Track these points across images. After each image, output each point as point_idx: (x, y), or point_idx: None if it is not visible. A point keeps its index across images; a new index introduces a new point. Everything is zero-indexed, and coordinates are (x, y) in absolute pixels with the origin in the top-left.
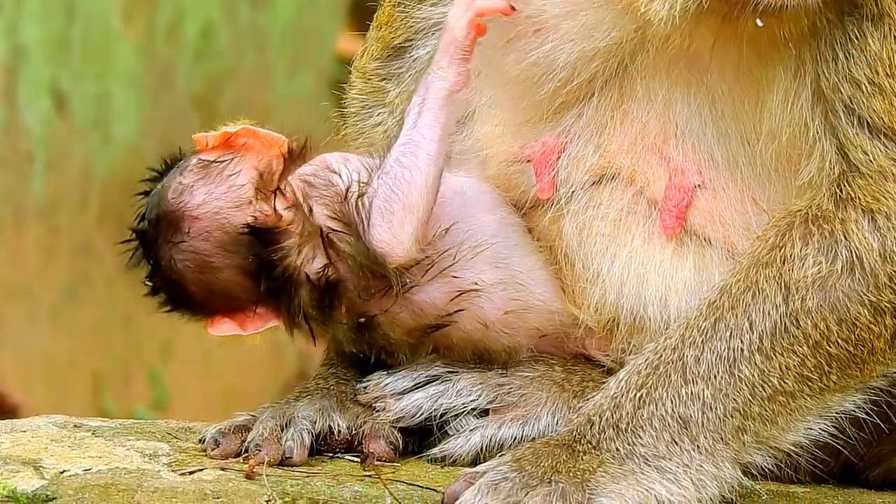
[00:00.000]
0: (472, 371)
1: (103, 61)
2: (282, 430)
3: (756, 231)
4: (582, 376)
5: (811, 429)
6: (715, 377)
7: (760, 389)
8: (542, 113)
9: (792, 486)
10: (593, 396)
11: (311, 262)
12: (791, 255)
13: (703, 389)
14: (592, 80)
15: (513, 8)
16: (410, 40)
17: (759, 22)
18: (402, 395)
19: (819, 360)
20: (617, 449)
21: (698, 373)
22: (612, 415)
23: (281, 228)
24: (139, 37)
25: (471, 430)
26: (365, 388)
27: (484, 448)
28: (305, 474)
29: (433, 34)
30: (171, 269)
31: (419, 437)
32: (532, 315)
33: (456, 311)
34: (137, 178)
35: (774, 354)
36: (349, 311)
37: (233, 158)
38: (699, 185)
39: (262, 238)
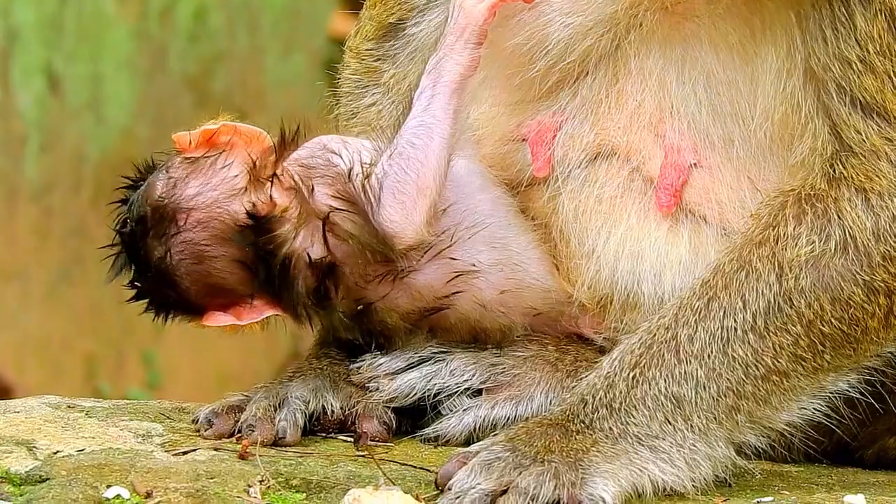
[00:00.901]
0: (465, 351)
1: (97, 43)
2: (275, 411)
3: (752, 210)
4: (575, 356)
5: (805, 408)
6: (708, 356)
7: (754, 369)
8: (537, 91)
9: (786, 465)
10: (587, 376)
11: (310, 248)
12: (784, 234)
13: (697, 369)
14: (587, 57)
15: None
16: (404, 19)
17: None
18: (395, 376)
19: (812, 339)
20: (610, 428)
21: (692, 352)
22: (606, 394)
23: (277, 216)
24: (133, 18)
25: (464, 410)
26: (358, 368)
27: (477, 428)
28: (299, 454)
29: (428, 11)
30: (164, 264)
31: (412, 417)
32: (527, 294)
33: (454, 294)
34: (131, 160)
35: (768, 334)
36: (347, 298)
37: (221, 153)
38: (695, 164)
39: (259, 226)
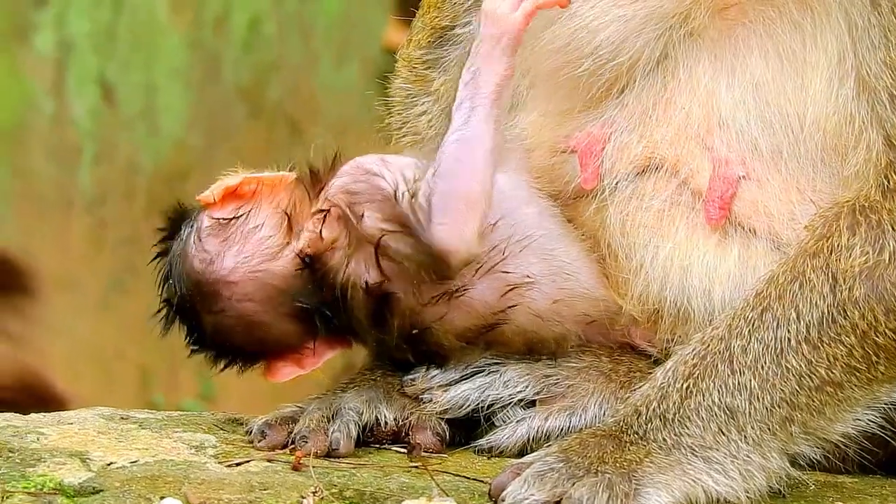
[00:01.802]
0: (519, 362)
1: (150, 53)
2: (328, 422)
3: (802, 221)
4: (629, 367)
5: (859, 419)
6: (762, 367)
7: (808, 380)
8: (585, 99)
9: (840, 476)
10: (640, 387)
11: (364, 274)
12: (838, 245)
13: (751, 380)
14: (636, 62)
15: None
16: (455, 22)
17: None
18: (449, 387)
19: (867, 350)
20: (664, 439)
21: (745, 363)
22: (659, 405)
23: (328, 249)
24: (186, 28)
25: (517, 422)
26: (412, 379)
27: (531, 439)
28: (352, 465)
29: (476, 10)
30: (216, 332)
31: (466, 429)
32: (580, 302)
33: (509, 308)
34: (184, 170)
35: (822, 345)
36: (403, 323)
37: (249, 211)
38: (743, 176)
39: (312, 267)
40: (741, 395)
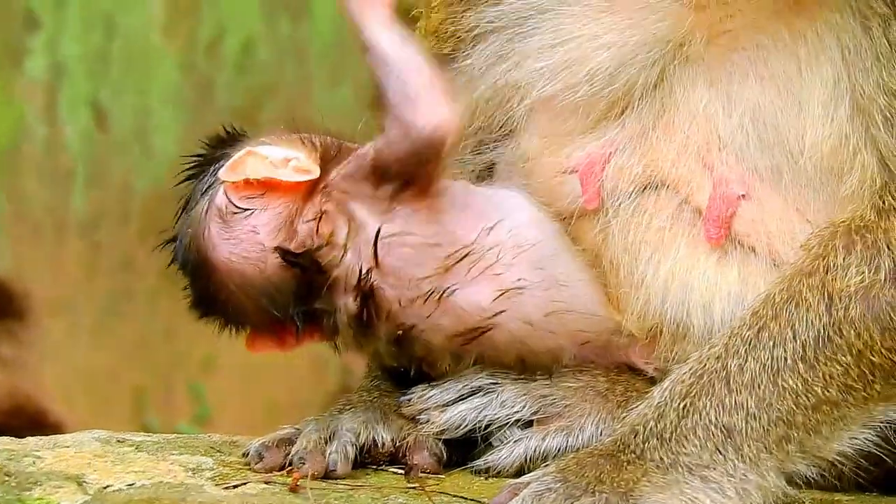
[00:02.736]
0: (516, 382)
1: (143, 76)
2: (326, 443)
3: (801, 240)
4: (626, 386)
5: (855, 438)
6: (759, 386)
7: (804, 398)
8: (584, 124)
9: (836, 494)
10: (637, 406)
11: (357, 263)
12: (834, 265)
13: (747, 399)
14: (631, 90)
15: None
16: (456, 51)
17: None
18: (446, 407)
19: (863, 369)
20: (661, 458)
21: (742, 382)
22: (657, 424)
23: (322, 244)
24: (180, 51)
25: (515, 442)
26: (409, 400)
27: (528, 459)
28: (349, 487)
29: (480, 41)
30: (203, 297)
31: (463, 449)
32: (574, 318)
33: (499, 312)
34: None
35: (818, 364)
36: (389, 323)
37: (258, 206)
38: (743, 196)
39: (303, 269)
40: (738, 415)
